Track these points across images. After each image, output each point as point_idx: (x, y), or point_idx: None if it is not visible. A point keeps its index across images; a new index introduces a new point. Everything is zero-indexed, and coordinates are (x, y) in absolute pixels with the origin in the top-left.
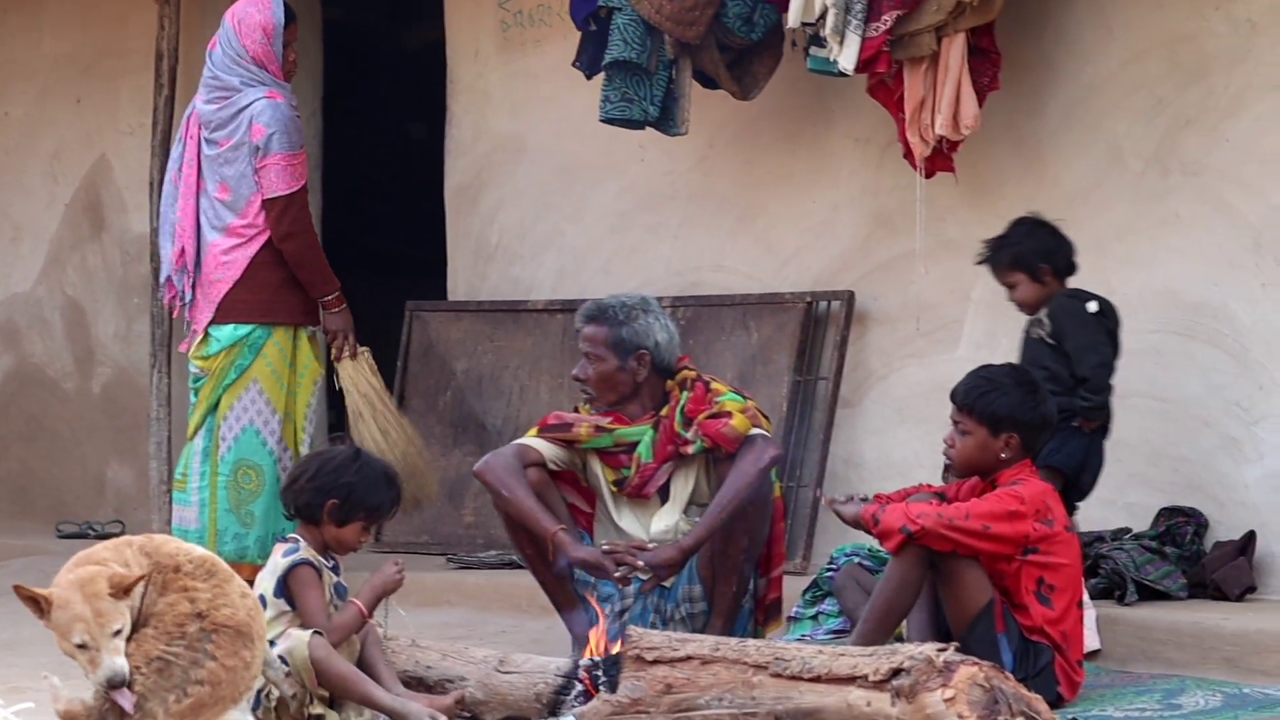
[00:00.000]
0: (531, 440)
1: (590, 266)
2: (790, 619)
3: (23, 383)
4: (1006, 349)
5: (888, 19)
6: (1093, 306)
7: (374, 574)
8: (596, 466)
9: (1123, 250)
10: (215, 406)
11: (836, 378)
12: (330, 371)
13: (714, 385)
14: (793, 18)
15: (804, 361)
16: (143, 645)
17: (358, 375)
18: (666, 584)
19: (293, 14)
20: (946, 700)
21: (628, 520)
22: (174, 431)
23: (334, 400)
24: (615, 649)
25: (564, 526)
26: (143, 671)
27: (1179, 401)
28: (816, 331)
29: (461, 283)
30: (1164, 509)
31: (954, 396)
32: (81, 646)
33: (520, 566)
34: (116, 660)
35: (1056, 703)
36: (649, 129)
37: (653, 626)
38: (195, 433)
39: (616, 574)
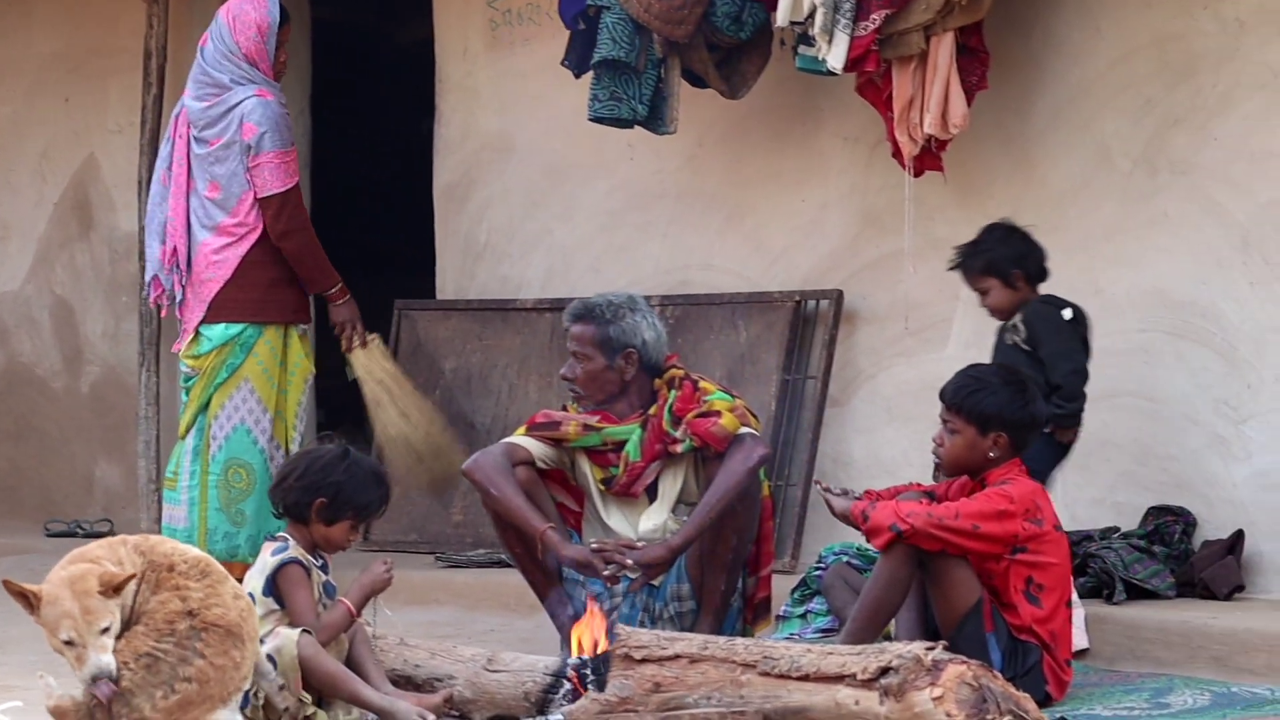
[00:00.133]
0: (520, 439)
1: (579, 265)
2: (779, 618)
3: (11, 382)
4: None
5: (876, 18)
6: (1067, 314)
7: (362, 573)
8: (585, 465)
9: (1111, 249)
10: (206, 405)
11: (825, 376)
12: (342, 363)
13: (702, 384)
14: (781, 16)
15: (793, 360)
16: (132, 641)
17: (371, 363)
18: (655, 583)
19: (287, 14)
20: (935, 699)
21: (616, 519)
22: (163, 430)
23: (323, 399)
24: (604, 647)
25: (552, 525)
26: (131, 667)
27: (1167, 400)
28: (805, 330)
29: (450, 281)
30: (1152, 508)
31: (943, 395)
32: (69, 643)
33: (509, 565)
34: (103, 658)
35: (1045, 702)
36: (638, 128)
37: (641, 625)
38: (186, 432)
39: (605, 572)
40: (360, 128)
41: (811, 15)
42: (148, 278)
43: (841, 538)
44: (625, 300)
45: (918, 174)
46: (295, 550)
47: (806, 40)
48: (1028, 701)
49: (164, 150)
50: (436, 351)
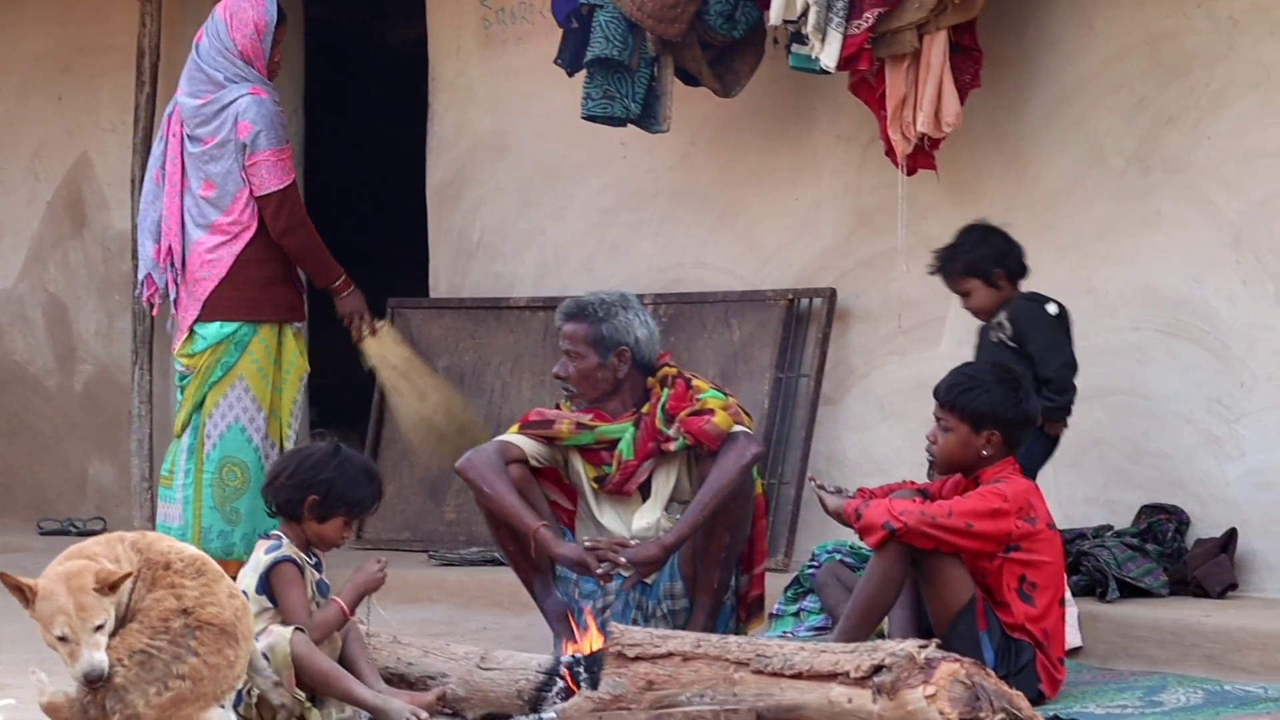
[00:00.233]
0: (513, 437)
1: (572, 264)
2: (772, 616)
3: (4, 380)
4: None
5: (869, 16)
6: (1052, 309)
7: (356, 572)
8: (578, 463)
9: (1104, 248)
10: (201, 404)
11: (818, 375)
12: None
13: (695, 382)
14: (774, 15)
15: (786, 359)
16: (126, 638)
17: (383, 349)
18: (648, 581)
19: (284, 14)
20: (928, 697)
21: (609, 517)
22: (155, 428)
23: (315, 397)
24: (597, 645)
25: (546, 523)
26: (125, 663)
27: (1160, 399)
28: (798, 329)
29: (443, 280)
30: (1145, 506)
31: (937, 393)
32: (62, 639)
33: (502, 563)
34: (95, 655)
35: (1038, 700)
36: (631, 126)
37: (634, 623)
38: (182, 430)
39: (598, 571)
40: (353, 127)
41: (804, 14)
42: (140, 276)
43: (835, 536)
44: (617, 298)
45: (911, 172)
46: (288, 549)
47: (799, 39)
48: (1021, 700)
49: (157, 149)
50: (429, 350)
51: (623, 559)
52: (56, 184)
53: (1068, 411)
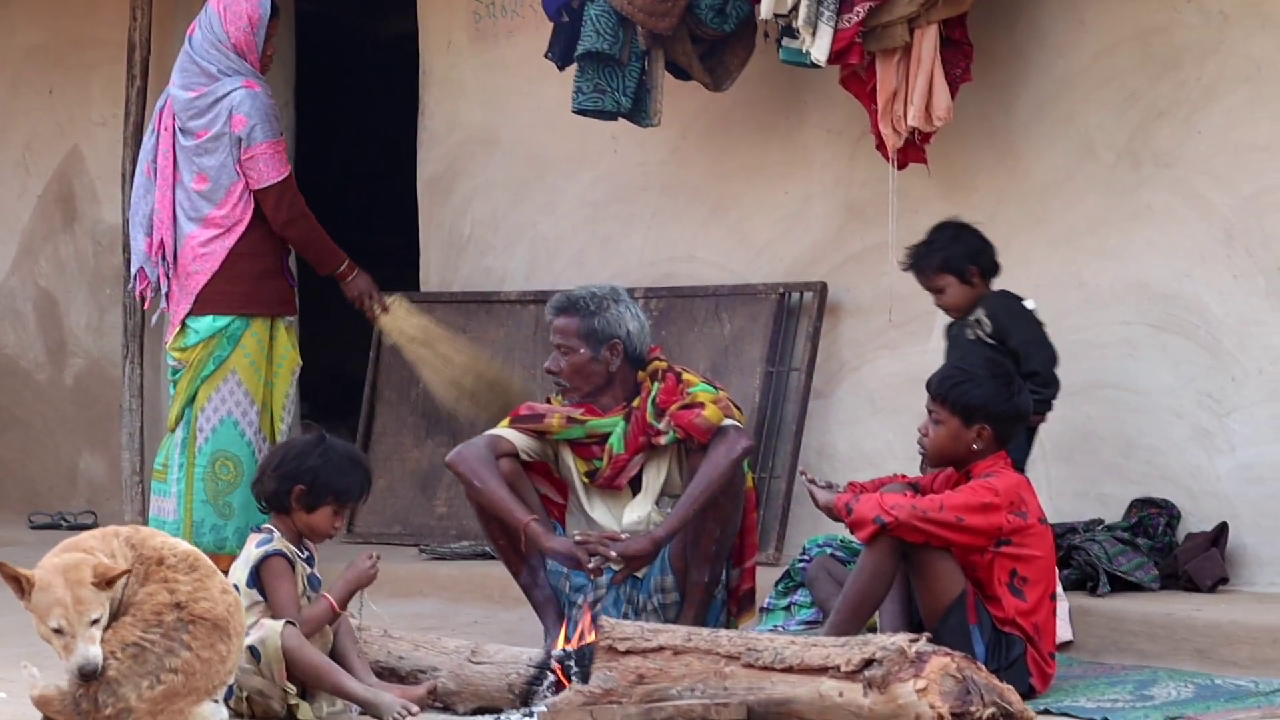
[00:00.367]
0: (504, 431)
1: (563, 257)
2: (763, 610)
3: None
4: None
5: (860, 10)
6: (1029, 304)
7: (348, 568)
8: (568, 457)
9: (1095, 242)
10: (193, 398)
11: (809, 369)
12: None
13: (685, 376)
14: (765, 9)
15: (776, 353)
16: (119, 631)
17: (399, 324)
18: (639, 575)
19: (277, 8)
20: (918, 691)
21: (600, 511)
22: (146, 422)
23: (307, 392)
24: (588, 639)
25: (536, 517)
26: (117, 656)
27: (1151, 393)
28: (789, 323)
29: (434, 274)
30: (1136, 500)
31: (929, 386)
32: (58, 631)
33: (492, 557)
34: (90, 649)
35: (1029, 694)
36: (621, 120)
37: (625, 617)
38: (175, 424)
39: (589, 565)
40: (344, 122)
41: (795, 8)
42: (133, 270)
43: (826, 530)
44: (608, 292)
45: (901, 166)
46: (279, 542)
47: (790, 33)
48: (1011, 693)
49: (148, 142)
50: None
51: (613, 553)
52: (47, 178)
53: (1050, 405)
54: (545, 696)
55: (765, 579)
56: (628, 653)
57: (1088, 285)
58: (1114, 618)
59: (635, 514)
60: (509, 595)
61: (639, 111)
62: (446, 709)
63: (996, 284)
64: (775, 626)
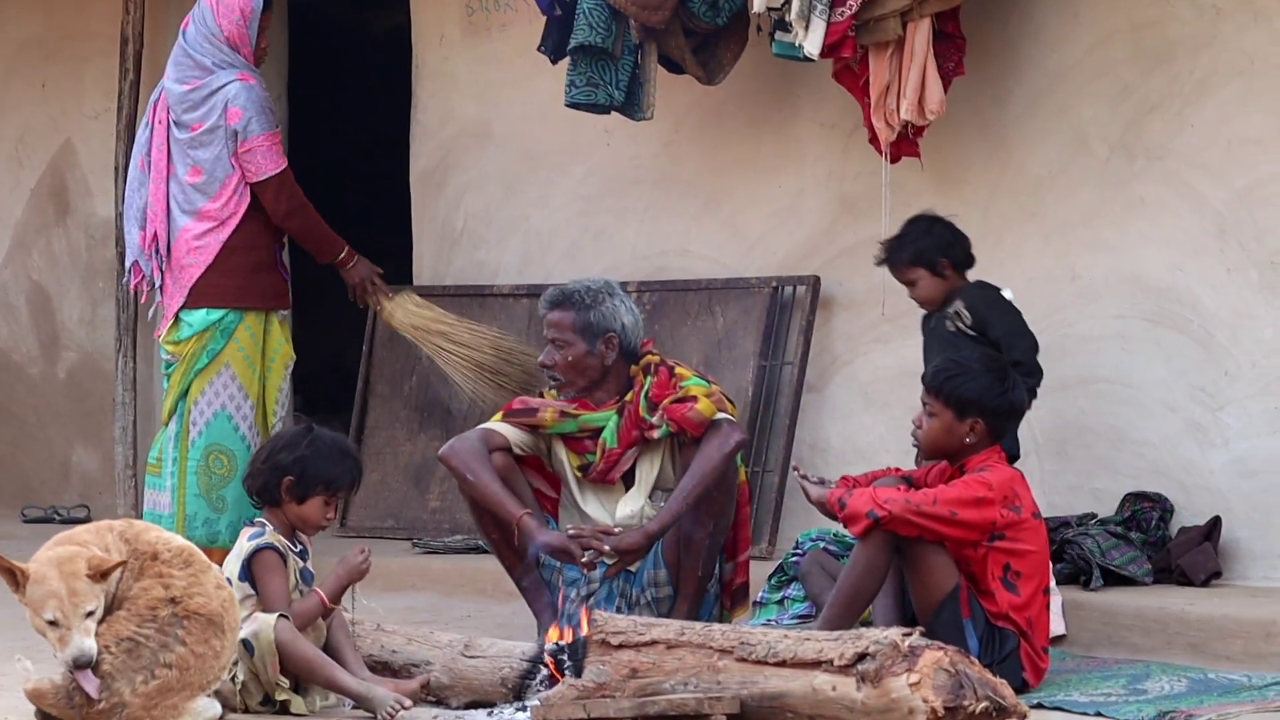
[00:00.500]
0: (497, 425)
1: (556, 251)
2: (756, 604)
3: None
4: None
5: (853, 4)
6: (1008, 293)
7: (340, 563)
8: (561, 452)
9: (1088, 235)
10: (187, 392)
11: (802, 363)
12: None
13: (678, 370)
14: (758, 2)
15: (769, 346)
16: (114, 625)
17: (412, 318)
18: (632, 569)
19: (270, 2)
20: (912, 685)
21: (593, 505)
22: (139, 416)
23: (300, 385)
24: (581, 633)
25: (529, 511)
26: (112, 651)
27: (1144, 387)
28: (782, 316)
29: (427, 267)
30: (1129, 494)
31: (924, 378)
32: (53, 623)
33: (485, 551)
34: (85, 641)
35: (1022, 688)
36: (614, 114)
37: (618, 611)
38: (169, 418)
39: (582, 559)
40: (337, 115)
41: (788, 1)
42: (127, 263)
43: (819, 524)
44: (602, 285)
45: (894, 160)
46: (271, 536)
47: (783, 26)
48: (1005, 688)
49: (142, 136)
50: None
51: (606, 547)
52: (40, 171)
53: (1034, 394)
54: (538, 690)
55: (759, 573)
56: (621, 647)
57: (1081, 278)
58: (1107, 612)
59: (628, 508)
60: (502, 589)
61: (632, 105)
62: (439, 703)
63: (972, 275)
64: (768, 620)
